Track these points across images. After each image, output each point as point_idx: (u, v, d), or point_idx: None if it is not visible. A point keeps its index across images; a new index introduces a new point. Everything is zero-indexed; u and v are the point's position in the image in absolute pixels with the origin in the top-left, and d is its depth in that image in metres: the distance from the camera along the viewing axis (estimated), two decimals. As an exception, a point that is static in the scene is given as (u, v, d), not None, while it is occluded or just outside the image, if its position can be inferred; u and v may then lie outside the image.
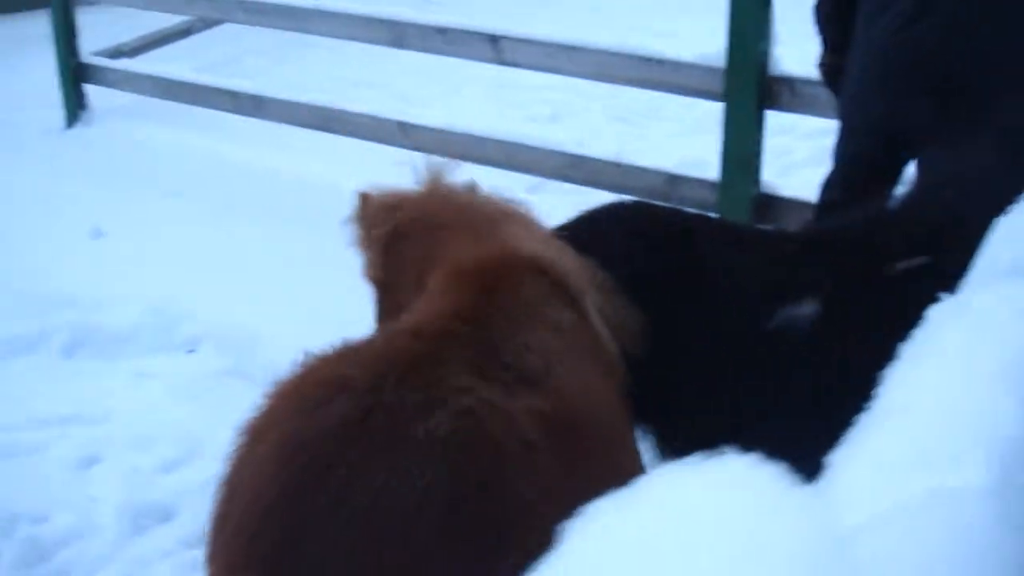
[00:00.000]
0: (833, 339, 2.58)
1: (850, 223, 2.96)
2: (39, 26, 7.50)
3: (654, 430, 2.82)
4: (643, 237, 2.87)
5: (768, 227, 3.02)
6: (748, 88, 4.70)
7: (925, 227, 2.70)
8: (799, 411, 2.70)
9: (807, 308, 2.60)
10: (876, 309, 2.57)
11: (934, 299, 1.89)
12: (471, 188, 2.71)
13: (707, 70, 4.89)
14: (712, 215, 2.95)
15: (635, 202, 3.39)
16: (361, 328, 2.51)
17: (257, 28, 6.83)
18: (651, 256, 2.80)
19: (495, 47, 5.31)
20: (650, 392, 2.63)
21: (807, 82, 4.52)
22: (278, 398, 1.97)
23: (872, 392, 1.60)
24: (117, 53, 7.38)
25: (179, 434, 4.07)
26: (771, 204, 4.91)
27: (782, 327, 2.58)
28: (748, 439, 2.39)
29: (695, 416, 2.77)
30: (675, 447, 2.86)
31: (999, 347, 1.48)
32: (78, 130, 7.05)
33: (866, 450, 1.34)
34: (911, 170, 3.58)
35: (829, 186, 3.89)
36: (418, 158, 2.82)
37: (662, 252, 2.81)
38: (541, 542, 1.33)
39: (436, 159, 2.72)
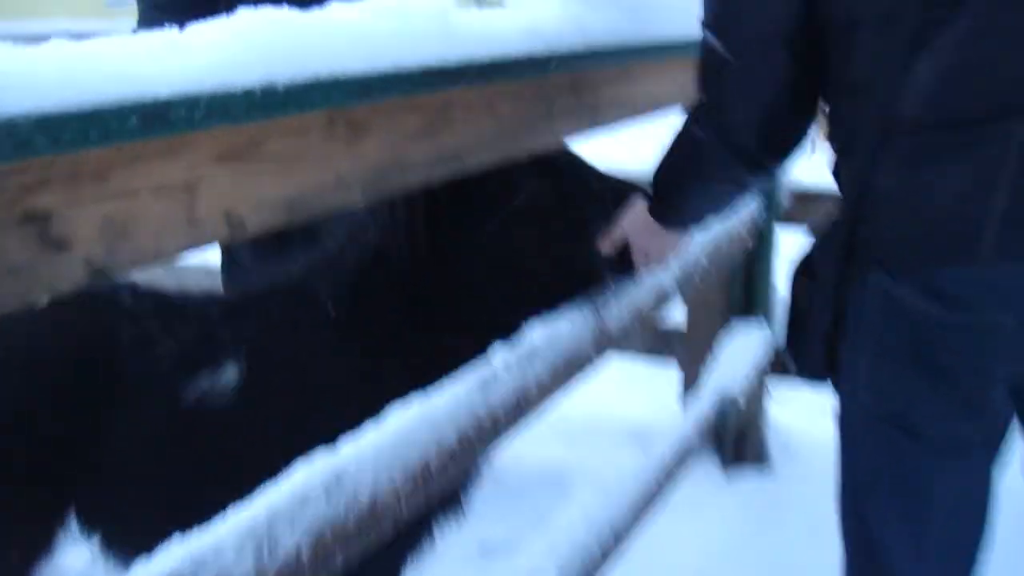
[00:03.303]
0: (259, 400, 2.48)
1: (282, 275, 2.78)
2: None
3: (97, 530, 2.68)
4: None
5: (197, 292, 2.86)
6: None
7: (350, 270, 2.57)
8: (234, 482, 2.50)
9: (228, 374, 2.42)
10: (300, 359, 2.53)
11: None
12: None
13: None
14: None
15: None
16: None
17: None
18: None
19: None
20: (87, 492, 2.54)
21: None
22: None
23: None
24: None
25: None
26: None
27: (201, 400, 2.46)
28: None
29: (133, 511, 2.56)
30: (121, 547, 2.62)
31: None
32: None
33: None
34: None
35: None
36: None
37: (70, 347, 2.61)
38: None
39: None
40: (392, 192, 1.77)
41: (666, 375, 4.78)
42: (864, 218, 1.70)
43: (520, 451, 4.16)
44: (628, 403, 4.69)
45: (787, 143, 1.86)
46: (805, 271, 1.94)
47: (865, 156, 1.66)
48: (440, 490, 1.98)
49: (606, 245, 2.40)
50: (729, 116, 1.85)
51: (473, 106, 1.93)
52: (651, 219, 2.23)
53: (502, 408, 2.15)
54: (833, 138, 1.82)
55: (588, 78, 2.37)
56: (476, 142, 1.96)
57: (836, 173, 1.88)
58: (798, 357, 1.99)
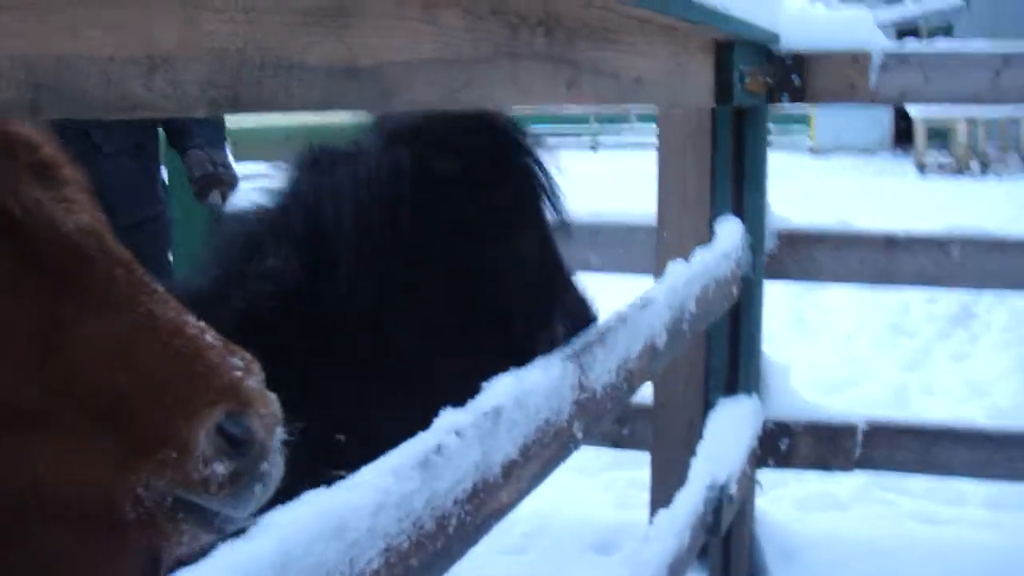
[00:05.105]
0: None
1: None
2: None
3: None
4: None
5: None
6: None
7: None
8: None
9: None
10: None
11: None
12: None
13: None
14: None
15: None
16: None
17: None
18: None
19: None
20: None
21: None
22: None
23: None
24: None
25: None
26: None
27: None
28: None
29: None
30: None
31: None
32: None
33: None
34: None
35: None
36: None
37: None
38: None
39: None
40: (258, 107, 0.99)
41: (628, 464, 3.99)
42: None
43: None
44: (584, 501, 3.87)
45: None
46: None
47: None
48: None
49: None
50: None
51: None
52: None
53: (454, 500, 1.34)
54: None
55: (564, 16, 1.64)
56: (406, 59, 1.19)
57: None
58: None
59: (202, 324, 1.20)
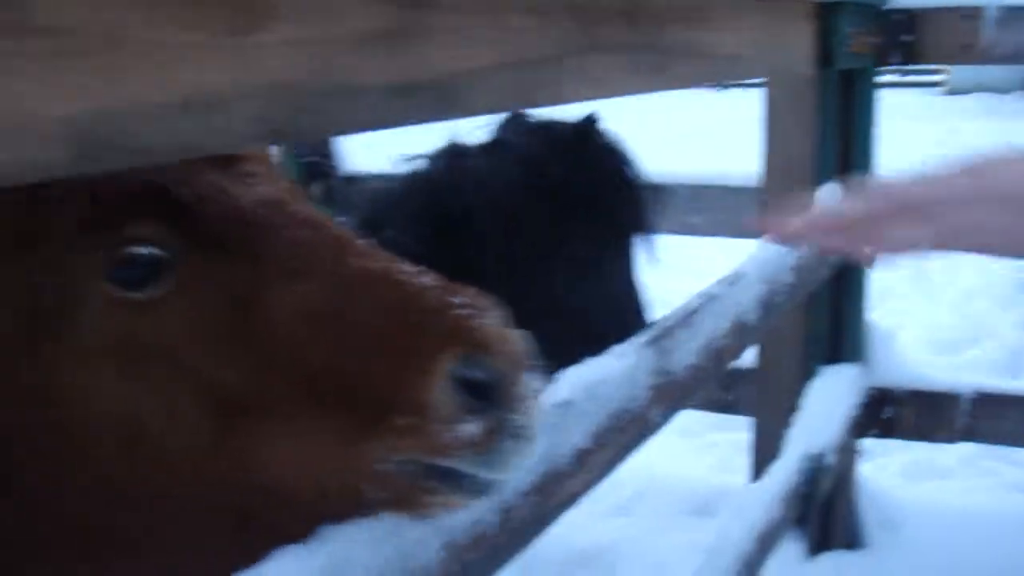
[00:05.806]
0: None
1: None
2: None
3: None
4: None
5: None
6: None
7: None
8: None
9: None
10: None
11: None
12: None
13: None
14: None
15: None
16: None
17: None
18: None
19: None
20: None
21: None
22: None
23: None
24: None
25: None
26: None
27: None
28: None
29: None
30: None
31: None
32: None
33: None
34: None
35: None
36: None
37: None
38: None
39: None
40: (319, 134, 1.02)
41: (731, 427, 3.98)
42: None
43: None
44: (687, 463, 3.88)
45: None
46: None
47: None
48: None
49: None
50: None
51: (467, 7, 1.19)
52: None
53: (521, 493, 1.38)
54: None
55: (649, 4, 1.63)
56: (469, 69, 1.21)
57: None
58: None
59: (414, 268, 1.08)
